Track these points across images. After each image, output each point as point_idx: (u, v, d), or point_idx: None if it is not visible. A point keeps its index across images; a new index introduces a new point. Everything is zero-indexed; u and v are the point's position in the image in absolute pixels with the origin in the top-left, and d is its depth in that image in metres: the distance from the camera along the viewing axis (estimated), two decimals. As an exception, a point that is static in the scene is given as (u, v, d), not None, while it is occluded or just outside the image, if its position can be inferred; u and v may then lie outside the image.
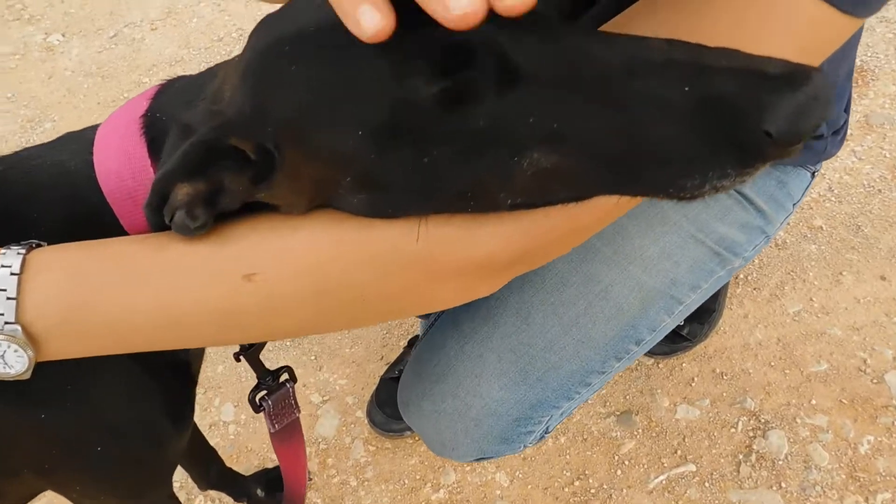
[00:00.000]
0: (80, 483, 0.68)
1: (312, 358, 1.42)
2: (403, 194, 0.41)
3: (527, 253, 0.45)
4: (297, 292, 0.44)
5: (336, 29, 0.35)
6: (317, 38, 0.39)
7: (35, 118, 2.13)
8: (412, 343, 1.35)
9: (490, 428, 0.78)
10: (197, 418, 1.34)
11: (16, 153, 0.57)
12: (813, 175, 0.87)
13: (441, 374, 0.80)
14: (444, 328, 0.83)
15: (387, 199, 0.41)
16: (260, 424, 1.34)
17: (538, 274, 0.77)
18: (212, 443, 1.15)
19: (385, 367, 1.35)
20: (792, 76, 0.30)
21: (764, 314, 1.35)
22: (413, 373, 0.85)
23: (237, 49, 2.22)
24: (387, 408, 1.28)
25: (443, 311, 0.86)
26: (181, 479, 1.25)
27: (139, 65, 2.25)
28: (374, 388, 1.33)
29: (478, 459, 0.85)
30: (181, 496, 1.23)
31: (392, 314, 0.52)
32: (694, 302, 0.82)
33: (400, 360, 1.34)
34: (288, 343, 1.44)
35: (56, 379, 0.56)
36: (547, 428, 0.82)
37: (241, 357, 0.70)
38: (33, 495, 0.74)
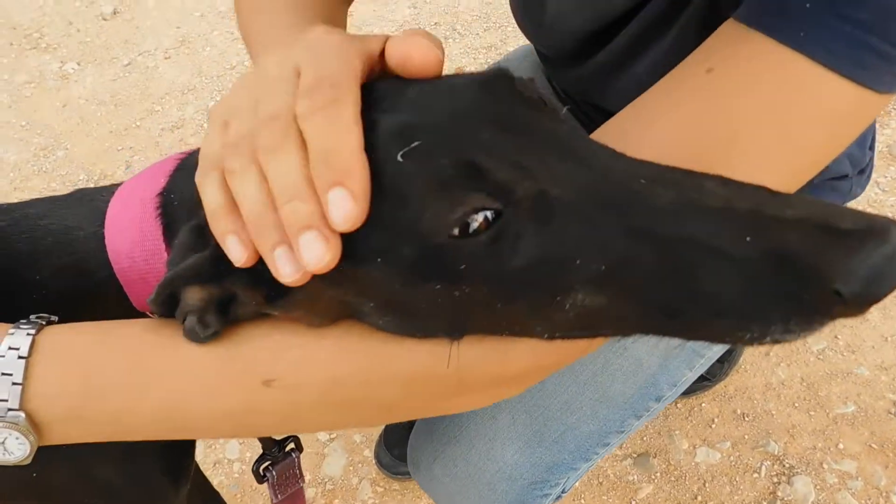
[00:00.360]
0: None
1: (320, 394, 1.38)
2: (432, 321, 0.38)
3: (558, 363, 0.43)
4: (320, 402, 0.41)
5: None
6: None
7: (48, 146, 2.13)
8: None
9: (505, 493, 0.74)
10: (200, 456, 1.31)
11: (23, 205, 0.55)
12: None
13: (453, 435, 0.76)
14: None
15: (414, 324, 0.38)
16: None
17: None
18: (215, 482, 1.12)
19: None
20: (868, 233, 0.27)
21: (787, 352, 1.31)
22: (424, 432, 0.81)
23: (249, 77, 2.22)
24: (395, 449, 1.24)
25: None
26: (183, 520, 1.22)
27: (151, 93, 2.26)
28: (383, 427, 1.29)
29: None
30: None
31: (418, 416, 0.50)
32: (715, 353, 0.79)
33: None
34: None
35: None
36: (563, 489, 0.78)
37: None
38: None
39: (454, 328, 0.38)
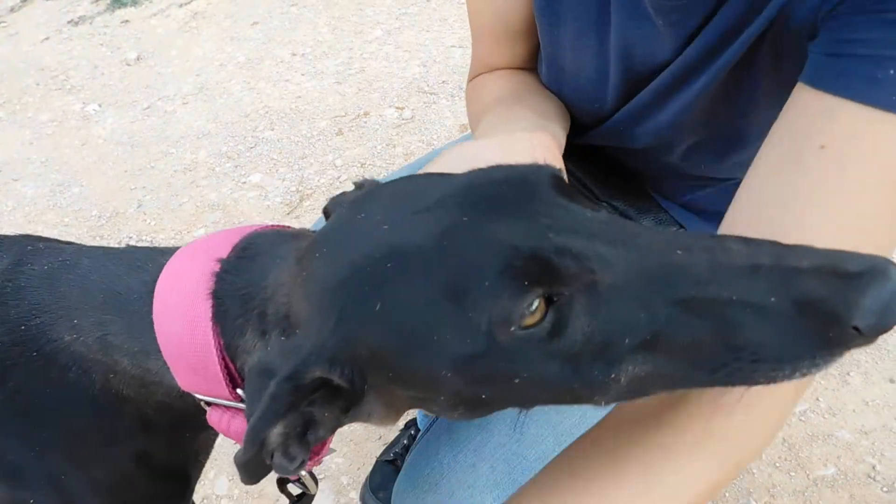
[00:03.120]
0: None
1: (310, 434, 1.40)
2: (500, 405, 0.41)
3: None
4: None
5: (419, 255, 0.37)
6: (399, 265, 0.39)
7: (64, 182, 2.22)
8: (409, 425, 1.34)
9: None
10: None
11: (76, 252, 0.57)
12: None
13: (434, 482, 0.78)
14: (438, 435, 0.82)
15: (482, 411, 0.42)
16: (254, 501, 1.32)
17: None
18: (201, 518, 1.13)
19: (383, 447, 1.34)
20: (873, 272, 0.32)
21: (769, 412, 1.33)
22: (407, 479, 0.83)
23: (262, 124, 2.31)
24: (380, 492, 1.26)
25: (437, 418, 0.86)
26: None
27: (168, 136, 2.35)
28: (370, 470, 1.31)
29: None
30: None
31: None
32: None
33: (396, 442, 1.32)
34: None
35: (53, 471, 0.57)
36: None
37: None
38: None
39: (523, 406, 0.42)
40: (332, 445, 0.63)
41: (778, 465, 1.25)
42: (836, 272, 0.33)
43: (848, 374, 1.37)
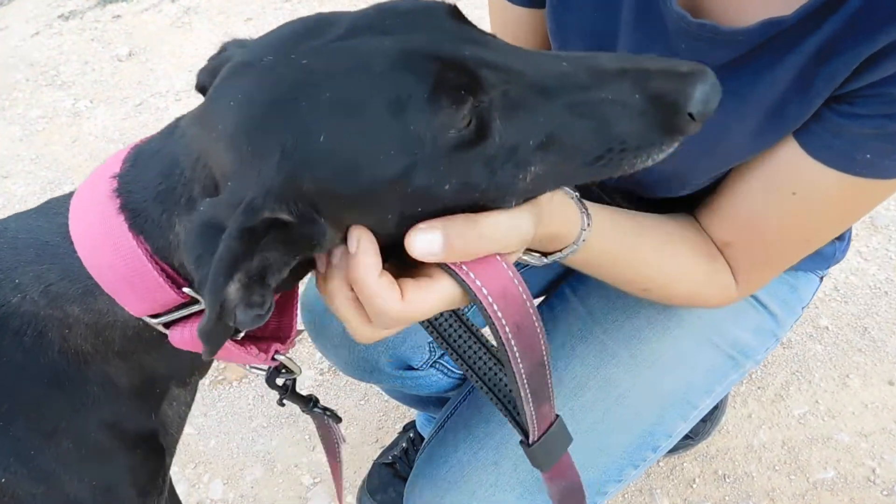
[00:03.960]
0: None
1: (306, 437, 1.39)
2: (433, 211, 0.44)
3: None
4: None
5: (353, 79, 0.40)
6: (335, 92, 0.40)
7: (55, 180, 2.19)
8: (407, 428, 1.32)
9: None
10: (184, 495, 1.31)
11: (3, 220, 0.56)
12: (821, 279, 0.89)
13: (454, 480, 0.77)
14: (455, 430, 0.81)
15: (418, 220, 0.44)
16: (247, 505, 1.30)
17: (555, 377, 0.76)
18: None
19: (380, 450, 1.32)
20: (698, 74, 0.42)
21: (768, 414, 1.32)
22: (423, 475, 0.81)
23: (256, 122, 2.30)
24: (378, 495, 1.25)
25: (452, 411, 0.85)
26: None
27: (161, 133, 2.33)
28: (367, 472, 1.29)
29: None
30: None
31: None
32: (708, 406, 0.82)
33: (394, 444, 1.31)
34: (282, 420, 1.42)
35: (19, 445, 0.55)
36: None
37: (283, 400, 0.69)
38: None
39: (461, 209, 0.45)
40: (300, 370, 0.64)
41: (777, 468, 1.25)
42: (674, 72, 0.42)
43: (847, 376, 1.37)
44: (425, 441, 0.87)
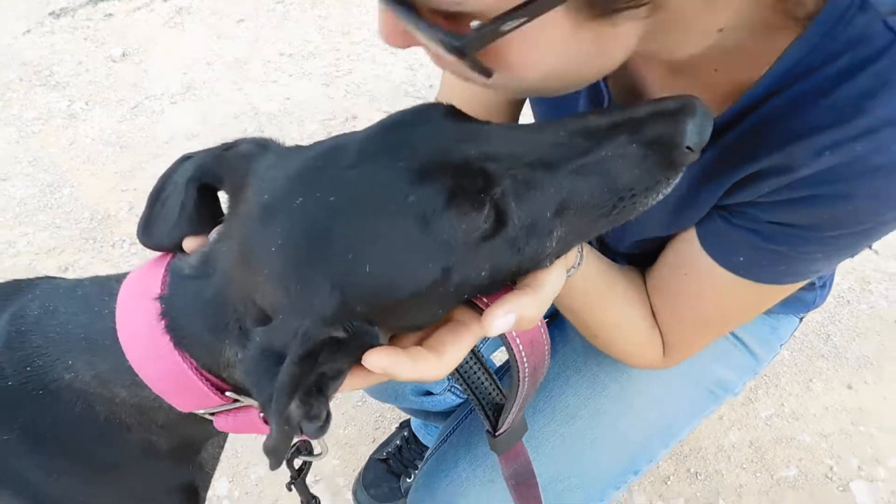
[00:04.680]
0: None
1: (307, 437, 1.47)
2: (485, 290, 0.49)
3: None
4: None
5: (376, 207, 0.43)
6: (363, 223, 0.44)
7: (54, 183, 2.23)
8: (403, 426, 1.41)
9: None
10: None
11: (53, 296, 0.62)
12: (800, 319, 0.96)
13: (452, 494, 0.84)
14: (457, 446, 0.88)
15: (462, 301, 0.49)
16: (254, 502, 1.38)
17: (549, 405, 0.84)
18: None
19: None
20: (687, 108, 0.45)
21: (738, 416, 1.43)
22: (425, 487, 0.89)
23: (251, 126, 2.35)
24: (371, 489, 1.33)
25: (455, 427, 0.93)
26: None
27: (157, 137, 2.37)
28: (363, 467, 1.38)
29: None
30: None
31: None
32: (687, 433, 0.90)
33: (389, 441, 1.40)
34: (284, 421, 1.50)
35: (69, 493, 0.63)
36: None
37: (293, 486, 0.75)
38: None
39: (491, 290, 0.49)
40: (327, 449, 0.70)
41: (745, 466, 1.35)
42: (664, 113, 0.45)
43: (811, 380, 1.47)
44: (428, 454, 0.95)
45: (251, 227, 0.48)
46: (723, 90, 0.58)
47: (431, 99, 0.60)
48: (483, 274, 0.46)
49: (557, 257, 0.50)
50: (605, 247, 0.84)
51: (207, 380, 0.54)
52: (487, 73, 0.45)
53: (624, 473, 0.87)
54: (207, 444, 0.73)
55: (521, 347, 0.52)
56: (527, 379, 0.55)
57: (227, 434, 0.75)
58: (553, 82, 0.49)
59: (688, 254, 0.69)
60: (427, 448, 1.34)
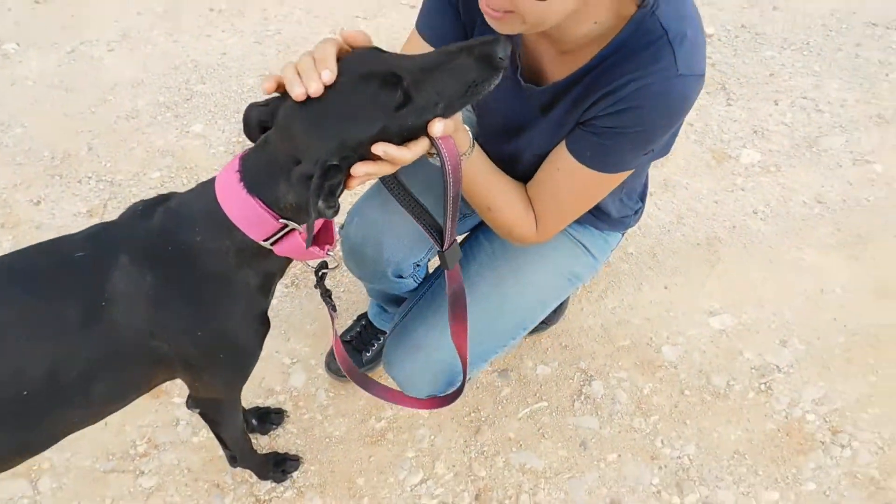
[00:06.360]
0: (210, 374, 1.15)
1: (282, 331, 1.90)
2: (409, 134, 0.91)
3: None
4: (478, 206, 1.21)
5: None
6: (334, 103, 0.85)
7: (5, 122, 2.38)
8: (360, 318, 1.88)
9: (443, 373, 1.32)
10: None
11: (173, 198, 1.05)
12: (622, 235, 1.52)
13: (413, 344, 1.34)
14: (415, 319, 1.38)
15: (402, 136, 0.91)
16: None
17: (470, 289, 1.28)
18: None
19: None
20: (495, 41, 0.86)
21: (594, 308, 2.04)
22: (395, 344, 1.39)
23: (193, 77, 2.61)
24: (333, 363, 1.80)
25: (411, 307, 1.42)
26: (187, 417, 1.69)
27: (102, 83, 2.56)
28: (330, 348, 1.84)
29: (429, 396, 1.34)
30: (186, 430, 1.67)
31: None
32: (555, 304, 1.46)
33: (351, 328, 1.87)
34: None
35: (205, 310, 1.05)
36: (468, 378, 1.38)
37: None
38: (165, 381, 1.17)
39: (420, 131, 0.90)
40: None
41: (597, 340, 1.96)
42: (485, 42, 0.86)
43: (641, 284, 2.11)
44: (391, 328, 1.43)
45: (286, 119, 0.89)
46: (582, 60, 1.05)
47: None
48: (405, 124, 0.87)
49: (447, 115, 0.89)
50: (513, 166, 1.24)
51: (269, 212, 0.93)
52: None
53: (518, 329, 1.41)
54: (273, 286, 1.14)
55: (444, 150, 0.91)
56: (450, 178, 0.94)
57: (283, 276, 1.15)
58: (552, 21, 0.94)
59: (558, 155, 1.12)
60: (381, 331, 1.83)
